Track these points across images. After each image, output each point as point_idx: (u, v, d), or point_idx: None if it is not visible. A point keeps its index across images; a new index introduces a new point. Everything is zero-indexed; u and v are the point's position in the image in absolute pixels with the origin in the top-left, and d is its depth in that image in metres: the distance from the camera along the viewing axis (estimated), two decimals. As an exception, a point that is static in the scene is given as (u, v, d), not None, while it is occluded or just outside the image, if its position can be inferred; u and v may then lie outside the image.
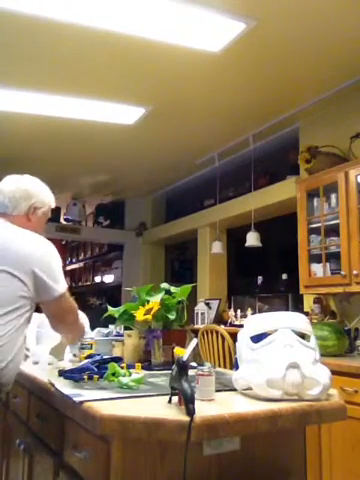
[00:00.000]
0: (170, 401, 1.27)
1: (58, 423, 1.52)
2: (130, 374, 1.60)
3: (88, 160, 5.02)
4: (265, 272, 5.13)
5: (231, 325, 4.49)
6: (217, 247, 4.93)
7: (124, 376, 1.53)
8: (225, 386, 1.51)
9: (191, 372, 1.28)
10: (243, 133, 4.29)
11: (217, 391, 1.34)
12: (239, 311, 4.68)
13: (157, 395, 1.39)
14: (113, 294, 7.31)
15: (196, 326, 4.63)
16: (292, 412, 1.25)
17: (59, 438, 1.50)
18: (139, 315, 2.03)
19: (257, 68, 3.15)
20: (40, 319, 2.05)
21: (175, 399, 1.24)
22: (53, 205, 1.94)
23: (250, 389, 1.37)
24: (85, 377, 1.59)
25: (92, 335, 2.55)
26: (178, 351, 1.76)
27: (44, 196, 1.89)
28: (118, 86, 3.43)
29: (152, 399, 1.35)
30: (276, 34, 2.77)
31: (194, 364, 1.71)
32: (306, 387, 1.31)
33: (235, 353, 1.57)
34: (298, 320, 1.46)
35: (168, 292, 2.12)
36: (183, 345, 1.92)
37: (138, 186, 6.11)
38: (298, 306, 3.90)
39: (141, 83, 3.37)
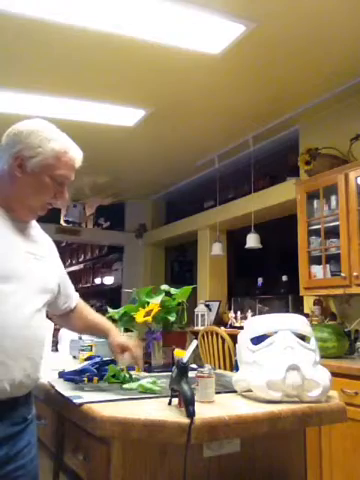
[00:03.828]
0: (170, 403, 1.27)
1: (58, 425, 1.51)
2: (130, 376, 1.61)
3: (88, 162, 4.95)
4: (265, 274, 5.12)
5: (231, 327, 4.49)
6: (217, 249, 4.93)
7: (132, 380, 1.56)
8: (225, 388, 1.51)
9: (191, 374, 1.28)
10: (243, 135, 4.30)
11: (217, 393, 1.34)
12: (239, 313, 4.67)
13: (157, 397, 1.38)
14: (113, 296, 7.30)
15: (196, 328, 4.63)
16: (292, 414, 1.25)
17: (59, 440, 1.50)
18: (139, 317, 2.03)
19: (257, 70, 3.16)
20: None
21: (175, 401, 1.24)
22: (69, 156, 1.32)
23: (250, 391, 1.36)
24: (85, 379, 1.59)
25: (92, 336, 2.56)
26: (178, 353, 1.76)
27: (41, 140, 1.29)
28: (118, 88, 3.43)
29: (152, 401, 1.35)
30: (276, 36, 2.77)
31: (194, 366, 1.70)
32: (306, 389, 1.31)
33: (235, 355, 1.57)
34: (298, 322, 1.46)
35: (168, 294, 2.11)
36: (183, 347, 1.91)
37: (138, 188, 6.12)
38: (298, 308, 3.89)
39: (141, 85, 3.37)
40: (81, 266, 8.83)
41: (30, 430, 1.31)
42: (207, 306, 4.93)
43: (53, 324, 2.68)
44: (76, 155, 1.37)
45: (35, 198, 1.32)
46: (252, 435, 1.26)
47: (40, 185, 1.30)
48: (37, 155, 1.28)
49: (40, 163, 1.29)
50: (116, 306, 2.35)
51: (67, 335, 2.67)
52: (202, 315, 4.82)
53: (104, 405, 1.26)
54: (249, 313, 4.56)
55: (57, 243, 1.58)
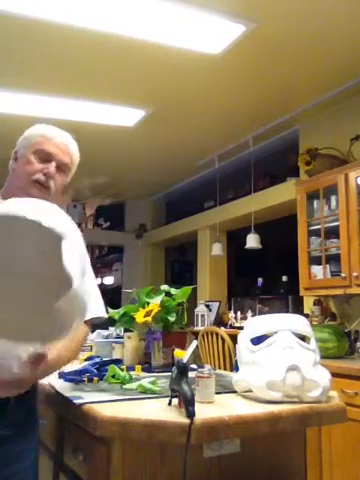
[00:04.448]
0: (170, 403, 1.26)
1: (58, 425, 1.51)
2: (130, 376, 1.60)
3: (88, 162, 4.97)
4: (265, 274, 5.13)
5: (231, 327, 4.49)
6: (217, 249, 4.93)
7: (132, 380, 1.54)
8: (225, 388, 1.51)
9: (191, 374, 1.28)
10: (243, 135, 4.30)
11: (217, 393, 1.34)
12: (239, 313, 4.67)
13: (157, 397, 1.38)
14: (113, 296, 7.30)
15: (196, 328, 4.63)
16: (292, 414, 1.25)
17: (59, 440, 1.50)
18: (139, 317, 2.03)
19: (257, 70, 3.16)
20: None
21: (175, 401, 1.24)
22: (53, 135, 1.37)
23: (250, 391, 1.36)
24: (85, 379, 1.59)
25: (92, 337, 2.56)
26: (178, 353, 1.76)
27: (33, 130, 1.40)
28: (118, 88, 3.43)
29: (152, 401, 1.35)
30: (276, 36, 2.77)
31: (194, 366, 1.70)
32: (306, 389, 1.31)
33: (235, 355, 1.57)
34: (298, 322, 1.46)
35: (168, 294, 2.11)
36: (183, 347, 1.91)
37: (138, 188, 6.12)
38: (298, 308, 3.89)
39: (141, 85, 3.37)
40: (81, 266, 8.81)
41: (27, 435, 1.25)
42: (207, 306, 4.93)
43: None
44: (63, 135, 1.39)
45: (23, 177, 1.32)
46: (252, 435, 1.26)
47: (26, 163, 1.33)
48: (26, 141, 1.36)
49: (27, 145, 1.35)
50: (116, 306, 2.35)
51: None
52: (202, 315, 4.82)
53: (104, 405, 1.26)
54: (249, 313, 4.56)
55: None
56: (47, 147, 1.34)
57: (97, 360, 1.85)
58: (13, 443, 1.21)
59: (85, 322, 1.35)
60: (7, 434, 1.20)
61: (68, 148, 1.39)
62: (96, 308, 1.40)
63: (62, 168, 1.37)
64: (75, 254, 0.99)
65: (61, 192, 1.41)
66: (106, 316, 1.45)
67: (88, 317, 1.35)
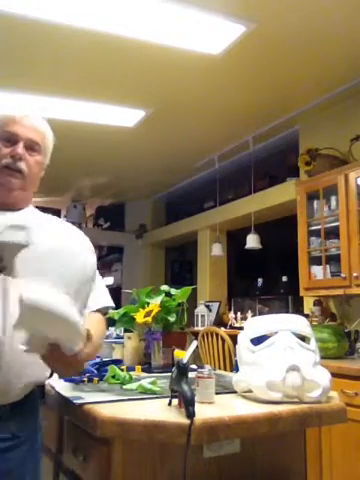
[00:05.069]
0: (170, 403, 1.26)
1: (58, 426, 1.51)
2: (131, 377, 1.60)
3: (88, 162, 5.02)
4: (265, 274, 5.13)
5: (231, 327, 4.49)
6: (217, 249, 4.93)
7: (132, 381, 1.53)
8: (225, 388, 1.50)
9: (191, 374, 1.28)
10: (243, 135, 4.30)
11: (217, 393, 1.34)
12: (239, 313, 4.67)
13: (157, 397, 1.38)
14: (113, 296, 7.28)
15: (196, 328, 4.62)
16: (292, 414, 1.25)
17: (59, 441, 1.50)
18: (139, 317, 2.03)
19: (257, 70, 3.16)
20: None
21: (175, 401, 1.24)
22: (15, 115, 1.27)
23: (250, 391, 1.36)
24: (85, 379, 1.59)
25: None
26: (178, 353, 1.76)
27: None
28: (118, 89, 3.43)
29: (152, 401, 1.35)
30: (276, 36, 2.77)
31: (194, 366, 1.70)
32: (306, 389, 1.30)
33: (235, 355, 1.57)
34: (298, 322, 1.46)
35: (168, 294, 2.11)
36: (183, 347, 1.91)
37: (138, 188, 6.12)
38: (298, 308, 3.90)
39: (141, 86, 3.37)
40: (81, 266, 8.79)
41: (27, 442, 1.20)
42: (207, 307, 4.93)
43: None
44: (28, 113, 1.29)
45: None
46: (252, 436, 1.26)
47: None
48: None
49: None
50: (116, 306, 2.34)
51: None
52: (202, 316, 4.82)
53: (104, 406, 1.26)
54: (249, 314, 4.56)
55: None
56: (11, 128, 1.24)
57: (97, 360, 1.85)
58: (11, 451, 1.17)
59: (98, 311, 1.36)
60: (3, 443, 1.16)
61: (34, 124, 1.28)
62: (102, 299, 1.41)
63: (32, 147, 1.27)
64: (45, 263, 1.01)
65: (39, 173, 1.31)
66: (113, 304, 1.45)
67: (95, 308, 1.34)
